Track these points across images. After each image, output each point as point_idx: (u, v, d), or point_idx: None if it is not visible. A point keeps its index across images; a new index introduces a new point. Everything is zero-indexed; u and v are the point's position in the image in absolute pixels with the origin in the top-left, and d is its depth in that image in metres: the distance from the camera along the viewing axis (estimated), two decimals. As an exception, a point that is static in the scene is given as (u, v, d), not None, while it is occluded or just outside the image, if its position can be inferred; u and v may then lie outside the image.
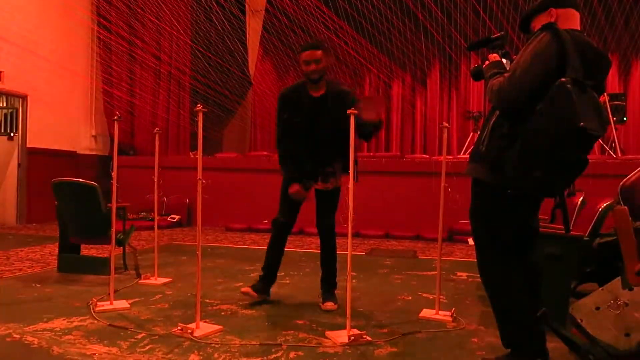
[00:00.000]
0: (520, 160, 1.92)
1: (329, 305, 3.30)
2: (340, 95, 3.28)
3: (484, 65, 2.21)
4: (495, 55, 2.19)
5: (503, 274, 2.17)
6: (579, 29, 2.10)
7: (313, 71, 3.20)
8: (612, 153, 7.55)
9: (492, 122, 2.11)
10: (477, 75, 2.29)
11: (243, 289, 3.36)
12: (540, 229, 2.36)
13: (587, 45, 2.01)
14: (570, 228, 2.27)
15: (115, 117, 3.37)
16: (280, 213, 3.43)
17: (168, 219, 8.26)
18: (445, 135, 3.34)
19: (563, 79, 1.84)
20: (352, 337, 2.64)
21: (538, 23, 2.12)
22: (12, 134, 8.24)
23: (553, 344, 2.36)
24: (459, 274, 4.71)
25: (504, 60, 2.18)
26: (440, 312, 3.20)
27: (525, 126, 1.91)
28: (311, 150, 3.30)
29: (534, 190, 2.06)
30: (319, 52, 3.21)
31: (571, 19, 2.09)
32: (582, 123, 1.76)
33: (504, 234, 2.17)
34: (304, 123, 3.27)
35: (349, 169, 3.28)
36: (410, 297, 3.75)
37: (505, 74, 2.02)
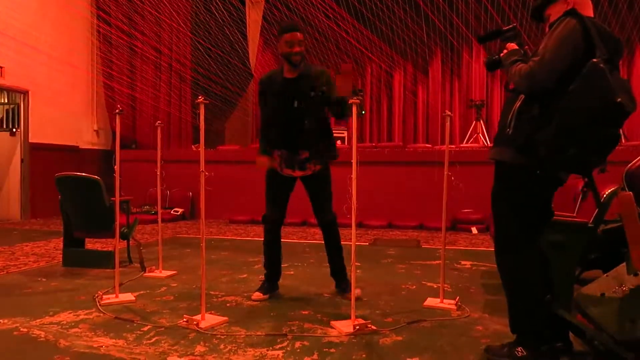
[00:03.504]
0: (556, 139, 1.97)
1: (357, 291, 3.02)
2: (315, 75, 3.22)
3: (502, 54, 2.26)
4: (513, 44, 2.25)
5: (523, 257, 2.20)
6: (592, 16, 2.16)
7: (297, 53, 3.14)
8: (616, 139, 7.50)
9: (516, 106, 2.15)
10: (493, 65, 2.34)
11: (253, 297, 3.33)
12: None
13: (604, 30, 2.08)
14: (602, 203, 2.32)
15: (117, 111, 3.36)
16: (268, 208, 3.39)
17: (171, 212, 8.28)
18: (447, 124, 3.32)
19: (595, 59, 1.92)
20: (357, 327, 2.64)
21: (553, 10, 2.18)
22: (14, 130, 8.25)
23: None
24: (463, 262, 4.71)
25: None
26: (444, 300, 3.20)
27: (559, 106, 1.96)
28: (286, 134, 3.25)
29: (569, 168, 2.11)
30: (301, 35, 3.17)
31: (586, 7, 2.15)
32: (618, 98, 1.84)
33: (528, 216, 2.21)
34: (277, 105, 3.25)
35: (331, 152, 3.32)
36: (414, 287, 3.76)
37: (534, 58, 2.06)
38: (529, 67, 2.05)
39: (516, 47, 2.23)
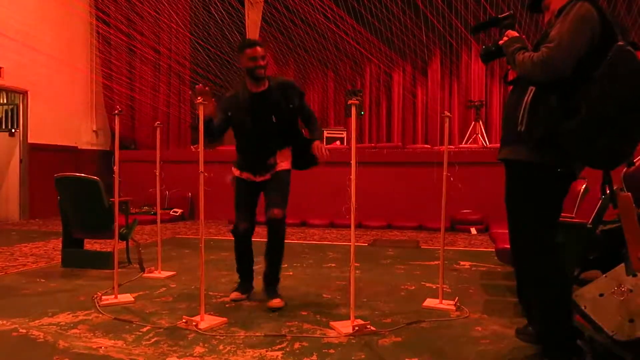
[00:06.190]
0: (584, 130, 1.83)
1: (275, 302, 3.10)
2: (283, 86, 3.25)
3: (501, 42, 2.10)
4: (513, 32, 2.09)
5: (547, 259, 2.10)
6: None
7: (260, 67, 3.15)
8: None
9: (527, 99, 1.99)
10: (490, 55, 2.17)
11: (232, 297, 3.30)
12: None
13: (613, 16, 1.97)
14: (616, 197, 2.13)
15: (116, 112, 3.36)
16: (238, 219, 3.30)
17: (170, 212, 8.27)
18: (446, 125, 3.32)
19: (620, 43, 1.80)
20: (356, 328, 2.65)
21: (552, 0, 2.06)
22: (13, 130, 8.24)
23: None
24: (462, 263, 4.71)
25: None
26: (443, 301, 3.21)
27: (588, 93, 1.82)
28: (253, 145, 3.25)
29: (598, 161, 1.94)
30: (263, 49, 3.19)
31: None
32: None
33: (548, 215, 2.10)
34: (246, 121, 3.21)
35: (302, 155, 3.28)
36: (413, 287, 3.76)
37: (548, 45, 1.89)
38: (542, 53, 1.88)
39: (517, 34, 2.07)
